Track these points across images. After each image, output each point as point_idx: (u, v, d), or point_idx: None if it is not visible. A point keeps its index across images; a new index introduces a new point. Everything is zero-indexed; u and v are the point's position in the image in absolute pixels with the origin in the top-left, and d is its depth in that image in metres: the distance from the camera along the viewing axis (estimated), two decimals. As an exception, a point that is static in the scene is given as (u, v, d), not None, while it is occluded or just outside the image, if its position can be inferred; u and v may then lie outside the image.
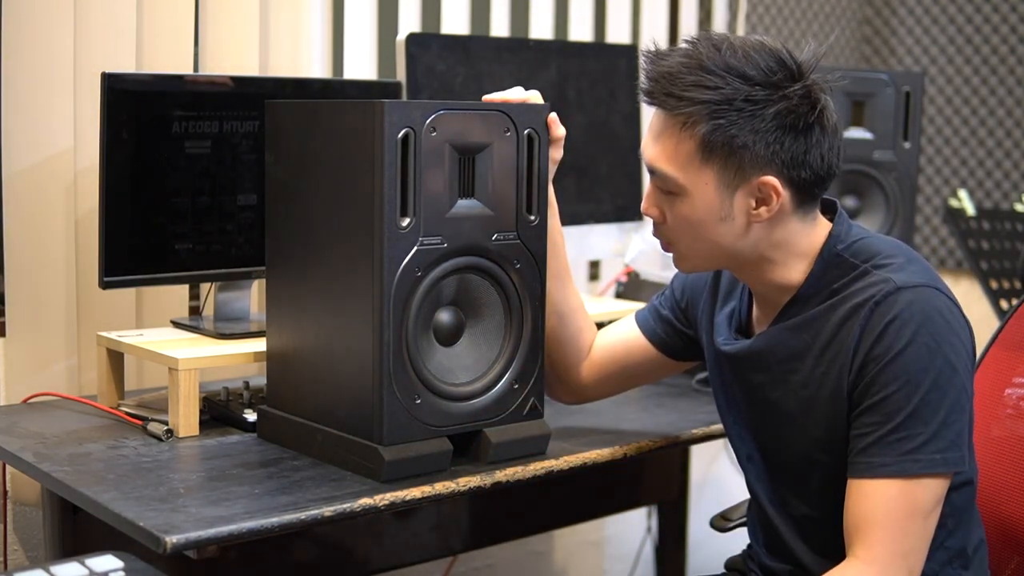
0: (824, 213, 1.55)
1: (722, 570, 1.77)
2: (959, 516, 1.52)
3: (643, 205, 1.54)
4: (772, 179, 1.44)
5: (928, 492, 1.40)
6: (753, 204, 1.46)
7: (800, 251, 1.51)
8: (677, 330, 1.74)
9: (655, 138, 1.49)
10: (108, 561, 1.13)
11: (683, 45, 1.48)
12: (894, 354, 1.39)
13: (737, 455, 1.66)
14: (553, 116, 1.65)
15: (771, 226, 1.48)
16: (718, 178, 1.45)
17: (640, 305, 2.28)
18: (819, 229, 1.52)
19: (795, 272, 1.51)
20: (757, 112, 1.42)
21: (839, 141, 1.49)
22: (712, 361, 1.66)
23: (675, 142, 1.46)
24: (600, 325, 2.00)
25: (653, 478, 2.61)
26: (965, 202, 3.04)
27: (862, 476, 1.42)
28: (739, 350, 1.58)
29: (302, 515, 1.44)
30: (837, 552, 1.45)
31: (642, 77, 1.50)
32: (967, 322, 1.46)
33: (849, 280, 1.47)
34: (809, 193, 1.48)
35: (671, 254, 1.56)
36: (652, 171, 1.50)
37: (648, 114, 2.91)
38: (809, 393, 1.49)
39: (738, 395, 1.61)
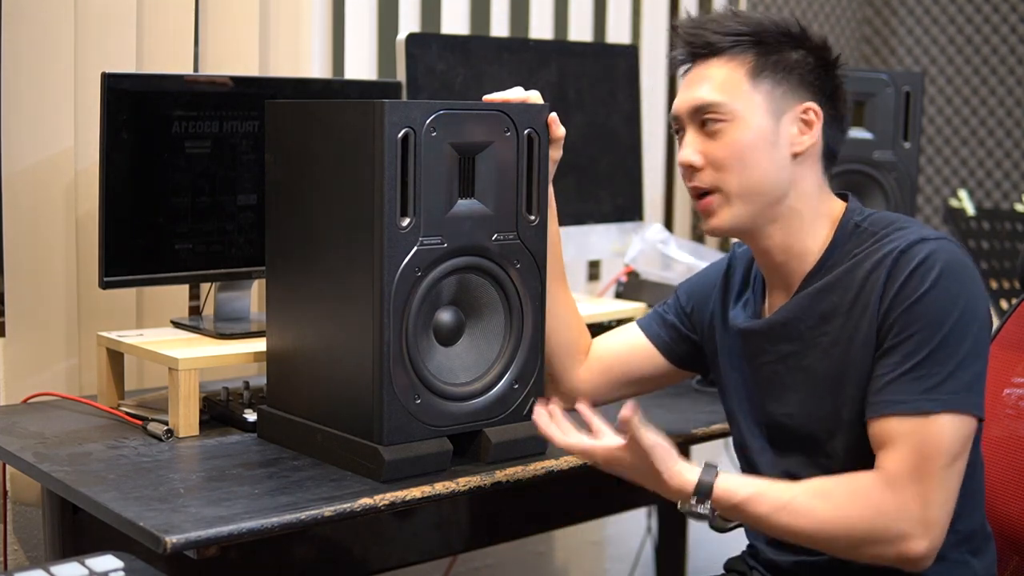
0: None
1: (722, 571, 1.77)
2: (969, 498, 1.52)
3: (681, 155, 1.58)
4: (815, 105, 1.56)
5: (946, 433, 1.41)
6: (796, 131, 1.54)
7: (822, 212, 1.57)
8: (682, 335, 1.76)
9: (698, 83, 1.57)
10: (108, 561, 1.13)
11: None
12: (917, 296, 1.43)
13: (745, 452, 1.66)
14: (553, 116, 1.65)
15: (805, 166, 1.56)
16: (767, 101, 1.54)
17: (640, 305, 2.29)
18: (836, 202, 1.60)
19: (816, 239, 1.56)
20: (794, 44, 1.56)
21: (849, 104, 1.62)
22: (730, 350, 1.67)
23: (723, 74, 1.55)
24: (601, 326, 2.00)
25: (653, 478, 2.60)
26: (965, 202, 3.03)
27: (880, 414, 1.44)
28: (765, 324, 1.59)
29: (302, 515, 1.44)
30: None
31: (681, 36, 1.59)
32: (983, 284, 1.50)
33: (871, 243, 1.52)
34: (832, 140, 1.59)
35: (708, 205, 1.56)
36: (698, 109, 1.55)
37: (650, 114, 2.92)
38: (841, 350, 1.51)
39: (760, 374, 1.61)
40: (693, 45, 1.58)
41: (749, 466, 1.66)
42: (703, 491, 1.45)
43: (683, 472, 1.47)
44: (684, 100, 1.58)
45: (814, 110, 1.55)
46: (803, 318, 1.55)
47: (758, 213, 1.55)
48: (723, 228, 1.57)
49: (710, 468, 1.47)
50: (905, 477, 1.41)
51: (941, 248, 1.46)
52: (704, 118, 1.55)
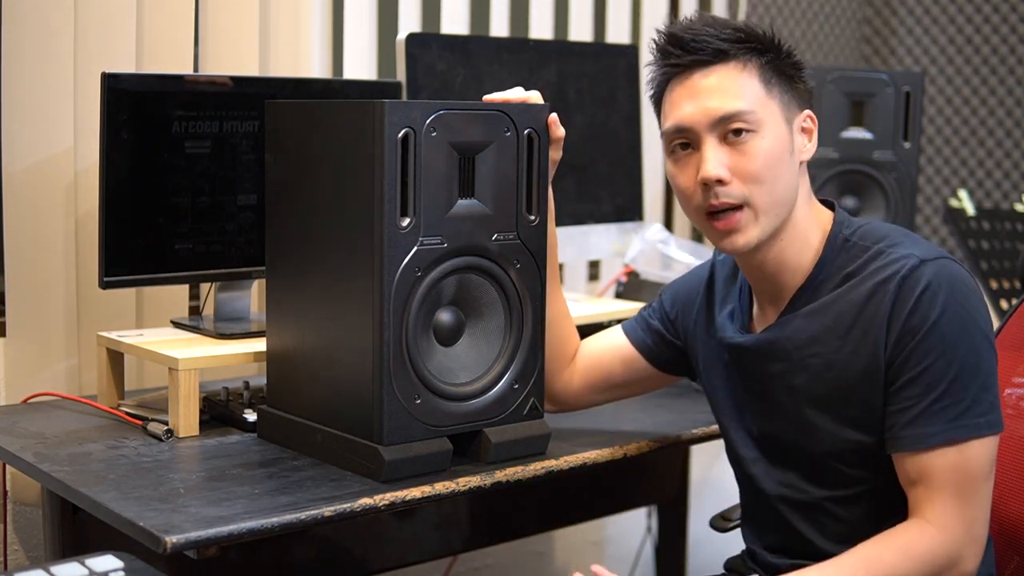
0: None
1: (721, 570, 1.77)
2: None
3: (708, 168, 1.47)
4: (811, 112, 1.55)
5: (980, 456, 1.43)
6: (802, 140, 1.54)
7: (814, 219, 1.55)
8: (666, 340, 1.75)
9: (713, 92, 1.48)
10: (108, 561, 1.13)
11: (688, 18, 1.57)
12: (930, 325, 1.42)
13: (740, 463, 1.65)
14: (553, 117, 1.64)
15: (803, 175, 1.55)
16: (780, 109, 1.52)
17: (640, 305, 2.29)
18: (823, 213, 1.57)
19: (807, 252, 1.53)
20: (781, 51, 1.53)
21: None
22: (717, 361, 1.65)
23: (739, 84, 1.49)
24: (600, 326, 2.00)
25: (653, 478, 2.61)
26: (965, 202, 3.03)
27: (913, 449, 1.44)
28: (754, 342, 1.57)
29: (302, 515, 1.44)
30: (854, 534, 1.47)
31: (677, 44, 1.51)
32: (983, 295, 1.50)
33: (864, 262, 1.49)
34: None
35: (736, 223, 1.48)
36: (723, 119, 1.47)
37: (649, 114, 2.91)
38: (836, 374, 1.49)
39: (753, 389, 1.60)
40: (698, 52, 1.49)
41: (744, 476, 1.65)
42: None
43: None
44: (702, 110, 1.48)
45: (811, 117, 1.55)
46: (792, 338, 1.53)
47: (776, 226, 1.50)
48: (750, 246, 1.50)
49: None
50: (949, 510, 1.42)
51: (942, 269, 1.44)
52: (730, 128, 1.48)
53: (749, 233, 1.49)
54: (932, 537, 1.42)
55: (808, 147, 1.54)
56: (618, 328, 1.80)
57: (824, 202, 1.60)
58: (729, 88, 1.49)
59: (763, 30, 1.53)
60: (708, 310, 1.68)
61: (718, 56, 1.50)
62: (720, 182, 1.47)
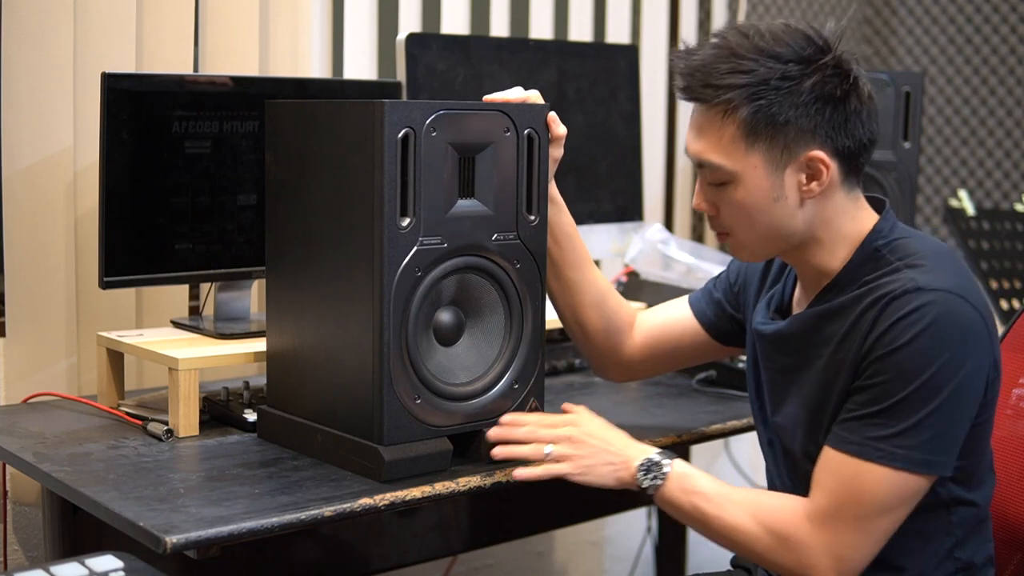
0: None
1: (728, 567, 1.78)
2: (968, 528, 1.52)
3: (694, 201, 1.57)
4: (819, 152, 1.47)
5: (880, 486, 1.41)
6: (803, 180, 1.49)
7: (844, 234, 1.52)
8: (727, 313, 1.76)
9: (698, 132, 1.51)
10: (108, 561, 1.13)
11: (712, 39, 1.51)
12: (893, 348, 1.41)
13: (759, 441, 1.69)
14: (553, 115, 1.65)
15: (822, 200, 1.51)
16: (766, 159, 1.47)
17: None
18: (865, 217, 1.54)
19: (836, 258, 1.53)
20: (794, 88, 1.45)
21: (876, 109, 1.52)
22: (749, 343, 1.69)
23: (718, 131, 1.48)
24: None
25: (653, 478, 2.60)
26: (965, 202, 3.03)
27: (829, 444, 1.46)
28: (773, 331, 1.59)
29: (302, 515, 1.44)
30: None
31: (676, 75, 1.52)
32: (990, 334, 1.45)
33: (881, 274, 1.48)
34: (854, 163, 1.51)
35: (726, 241, 1.58)
36: (700, 164, 1.52)
37: (650, 114, 2.92)
38: (828, 377, 1.50)
39: (766, 377, 1.62)
40: (689, 85, 1.50)
41: (764, 456, 1.69)
42: (667, 455, 1.53)
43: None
44: (689, 147, 1.54)
45: (820, 159, 1.47)
46: (807, 335, 1.54)
47: (775, 249, 1.55)
48: (745, 261, 1.62)
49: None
50: (824, 512, 1.43)
51: (936, 301, 1.40)
52: (707, 174, 1.52)
53: (740, 254, 1.58)
54: (800, 520, 1.45)
55: (814, 187, 1.48)
56: (684, 299, 1.83)
57: (876, 200, 1.57)
58: (709, 133, 1.50)
59: (776, 60, 1.45)
60: (760, 288, 1.70)
61: (703, 99, 1.49)
62: (705, 211, 1.56)
